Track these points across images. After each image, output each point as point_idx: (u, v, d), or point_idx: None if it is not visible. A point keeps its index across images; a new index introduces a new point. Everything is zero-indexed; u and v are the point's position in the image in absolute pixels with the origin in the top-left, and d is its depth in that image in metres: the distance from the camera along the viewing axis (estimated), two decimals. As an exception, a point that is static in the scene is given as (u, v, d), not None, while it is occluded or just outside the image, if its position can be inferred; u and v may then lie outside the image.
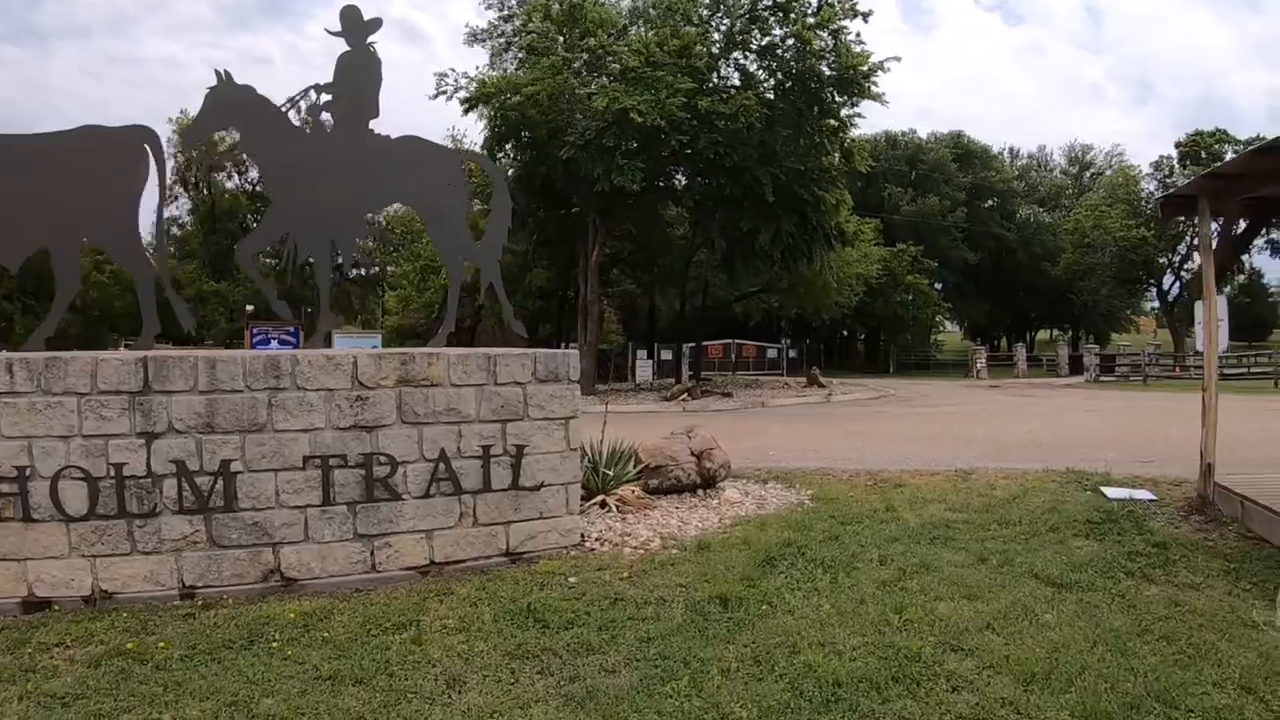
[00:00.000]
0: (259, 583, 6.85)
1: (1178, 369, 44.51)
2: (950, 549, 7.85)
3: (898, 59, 28.02)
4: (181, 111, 50.75)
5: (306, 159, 8.86)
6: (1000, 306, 74.36)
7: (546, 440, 8.01)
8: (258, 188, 57.51)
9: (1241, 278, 67.71)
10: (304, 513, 7.01)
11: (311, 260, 9.74)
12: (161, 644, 5.67)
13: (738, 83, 28.90)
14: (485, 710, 4.85)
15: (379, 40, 9.17)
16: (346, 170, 8.85)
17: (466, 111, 29.70)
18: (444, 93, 29.76)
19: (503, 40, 32.86)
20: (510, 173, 33.06)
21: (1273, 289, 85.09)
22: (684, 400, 29.11)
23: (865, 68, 27.35)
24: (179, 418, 6.72)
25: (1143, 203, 61.36)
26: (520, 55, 31.07)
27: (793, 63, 27.41)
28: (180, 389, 6.74)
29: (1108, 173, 74.44)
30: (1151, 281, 65.53)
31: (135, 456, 6.62)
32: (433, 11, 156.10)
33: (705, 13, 28.96)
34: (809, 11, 27.36)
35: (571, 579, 7.19)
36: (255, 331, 36.00)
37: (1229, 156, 50.82)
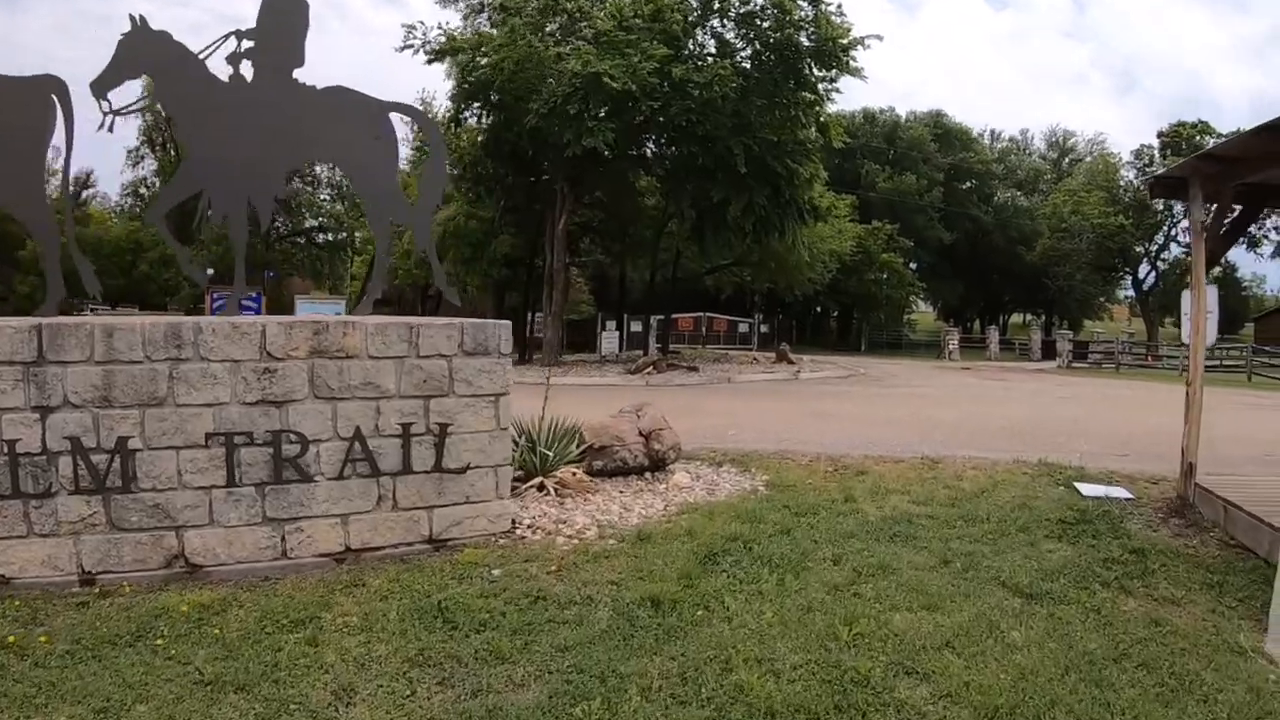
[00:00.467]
0: (162, 569, 6.36)
1: (1150, 358, 44.25)
2: (911, 548, 7.19)
3: (879, 37, 27.17)
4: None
5: (222, 109, 8.11)
6: (974, 288, 74.07)
7: (474, 419, 7.40)
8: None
9: (1217, 270, 67.40)
10: (208, 494, 6.49)
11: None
12: (44, 638, 5.21)
13: (714, 51, 28.10)
14: (369, 729, 4.20)
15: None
16: (266, 122, 8.14)
17: (430, 62, 28.70)
18: (410, 46, 28.75)
19: (477, 2, 31.78)
20: (480, 138, 32.25)
21: (1245, 282, 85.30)
22: (649, 373, 28.41)
23: (845, 41, 26.60)
24: (75, 390, 6.20)
25: (1122, 191, 61.11)
26: (493, 16, 30.02)
27: (771, 32, 26.57)
28: (76, 359, 6.21)
29: (1088, 159, 74.08)
30: (1127, 270, 65.38)
31: (30, 432, 6.12)
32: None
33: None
34: (789, -21, 26.49)
35: (495, 571, 6.58)
36: (216, 296, 35.34)
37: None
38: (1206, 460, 9.06)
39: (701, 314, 60.31)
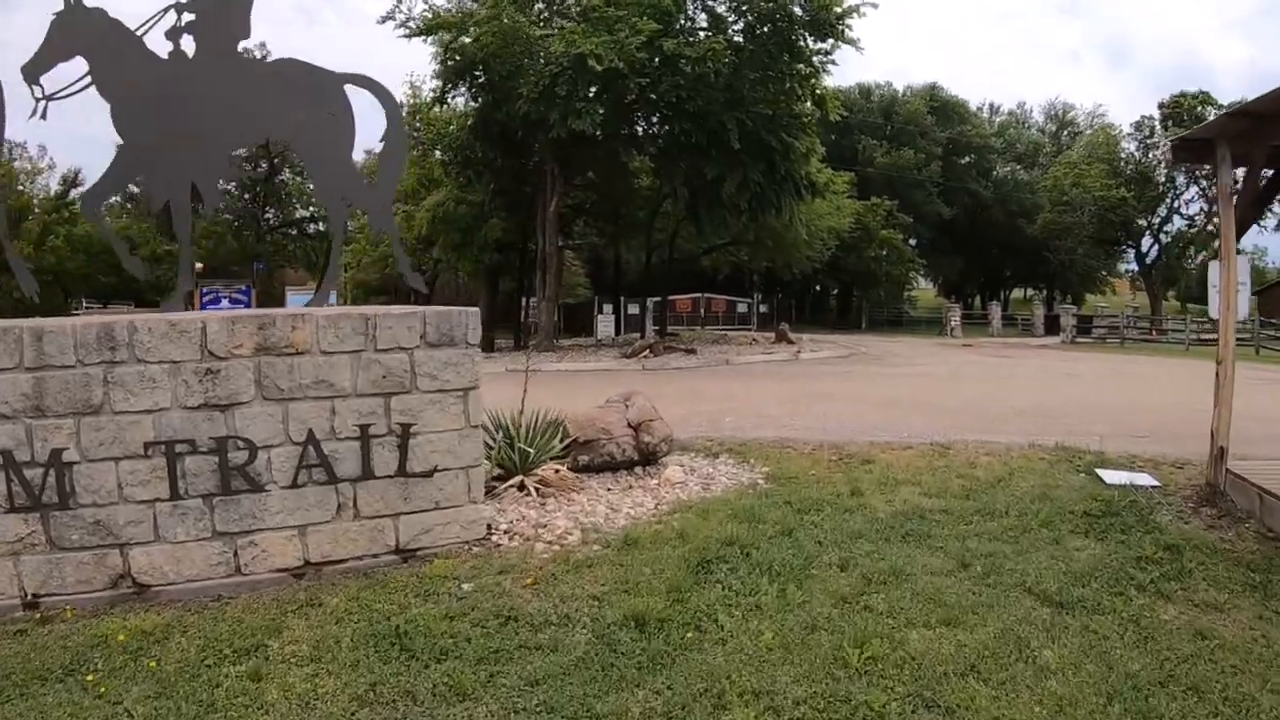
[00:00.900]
0: (108, 589, 5.86)
1: (1154, 332, 43.60)
2: (925, 549, 6.51)
3: (874, 4, 26.24)
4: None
5: (161, 89, 7.54)
6: (975, 264, 73.26)
7: (440, 416, 6.73)
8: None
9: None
10: (152, 508, 5.94)
11: (209, 205, 8.32)
12: (-27, 673, 4.67)
13: (705, 25, 27.29)
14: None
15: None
16: (208, 100, 7.57)
17: (412, 37, 27.88)
18: (393, 19, 27.94)
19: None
20: (469, 121, 31.49)
21: (1247, 255, 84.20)
22: (645, 357, 27.70)
23: (840, 9, 25.82)
24: (4, 400, 5.69)
25: (1123, 163, 60.22)
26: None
27: (764, 1, 25.74)
28: (5, 366, 5.70)
29: (1088, 132, 73.16)
30: (1130, 243, 64.47)
31: (-38, 446, 5.63)
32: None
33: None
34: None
35: (465, 585, 5.95)
36: (205, 291, 34.80)
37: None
38: (1230, 441, 8.40)
39: (699, 295, 59.74)
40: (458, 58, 27.79)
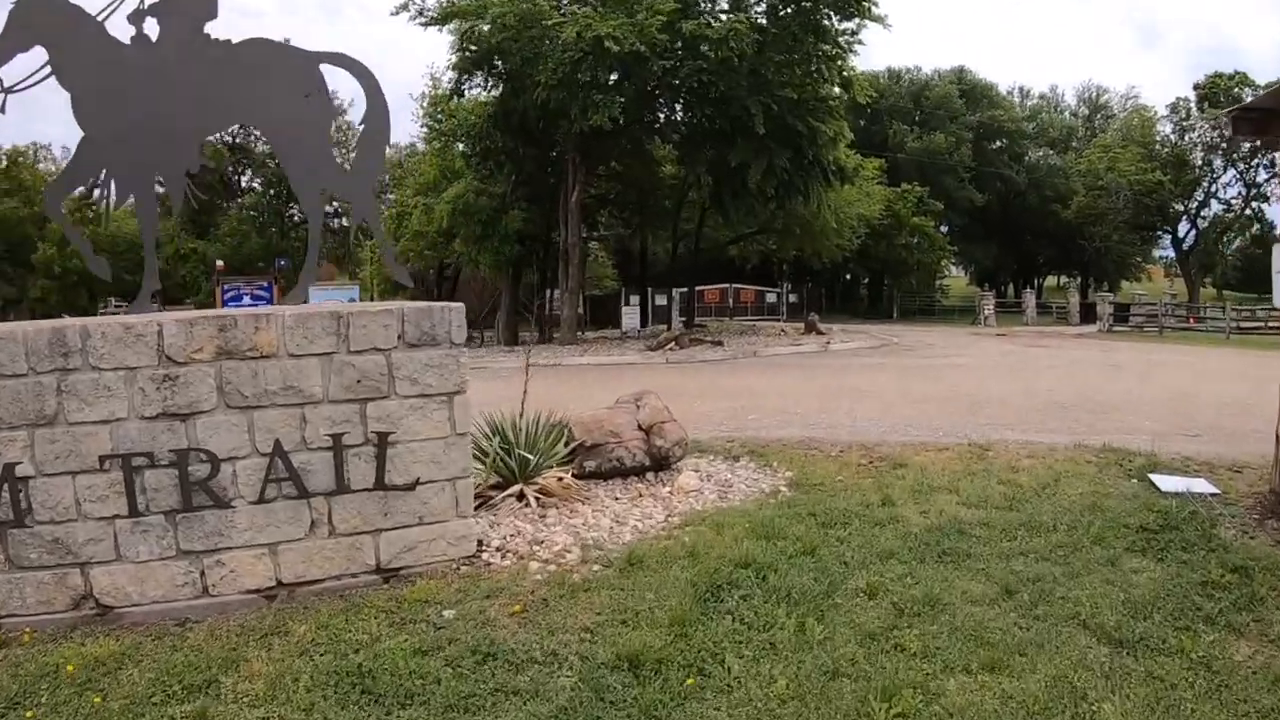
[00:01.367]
0: (70, 611, 5.48)
1: (1192, 320, 42.37)
2: (965, 571, 5.77)
3: (902, -24, 25.41)
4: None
5: (122, 77, 6.95)
6: (1007, 251, 71.86)
7: (422, 423, 6.14)
8: (237, 139, 55.35)
9: (1257, 228, 64.98)
10: (112, 525, 5.52)
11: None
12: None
13: (726, 5, 26.49)
14: None
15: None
16: (173, 87, 6.99)
17: (428, 26, 27.27)
18: (405, 9, 27.32)
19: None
20: (489, 110, 30.88)
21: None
22: (670, 350, 27.03)
23: (865, -16, 25.00)
24: None
25: (1159, 146, 58.83)
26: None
27: (786, -22, 24.95)
28: None
29: (1121, 115, 71.65)
30: (1166, 229, 63.04)
31: (-90, 463, 5.30)
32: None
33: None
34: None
35: (447, 612, 5.34)
36: (226, 288, 34.55)
37: (1248, 100, 48.40)
38: (1271, 437, 7.62)
39: (728, 285, 59.02)
40: (474, 48, 27.21)
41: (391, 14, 27.58)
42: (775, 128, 25.37)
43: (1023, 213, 67.83)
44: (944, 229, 62.99)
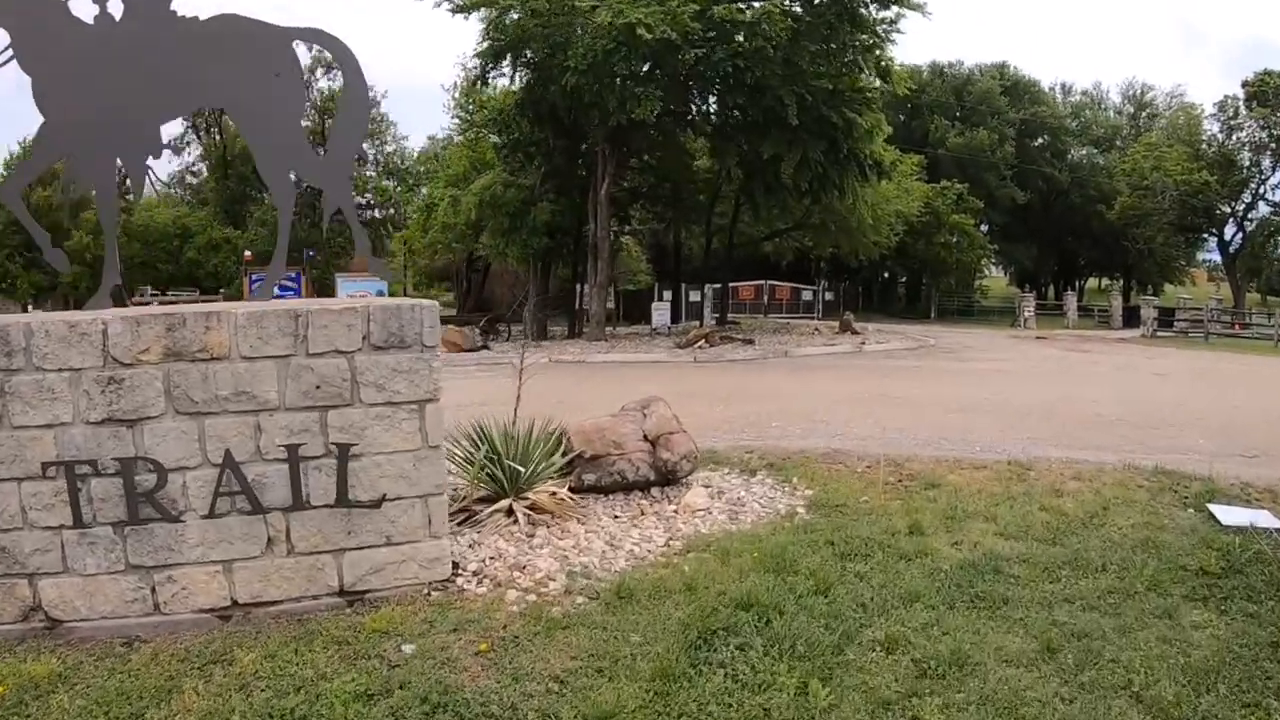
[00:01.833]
0: (19, 622, 5.20)
1: (1238, 326, 41.00)
2: (1000, 621, 4.99)
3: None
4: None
5: (84, 59, 6.43)
6: (1049, 251, 70.30)
7: (390, 435, 5.55)
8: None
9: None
10: (59, 535, 5.20)
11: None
12: None
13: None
14: None
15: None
16: (136, 66, 6.48)
17: (456, 13, 26.59)
18: (438, -2, 26.68)
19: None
20: (517, 100, 30.25)
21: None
22: (699, 348, 26.26)
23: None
24: None
25: (1205, 145, 57.24)
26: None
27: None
28: None
29: (1167, 114, 69.92)
30: (1212, 231, 61.35)
31: None
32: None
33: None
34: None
35: (406, 647, 4.80)
36: (254, 278, 34.25)
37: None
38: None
39: (763, 282, 58.12)
40: (502, 37, 26.62)
41: (434, 6, 26.73)
42: (809, 119, 24.47)
43: (1065, 212, 66.30)
44: (984, 228, 61.75)
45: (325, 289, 49.93)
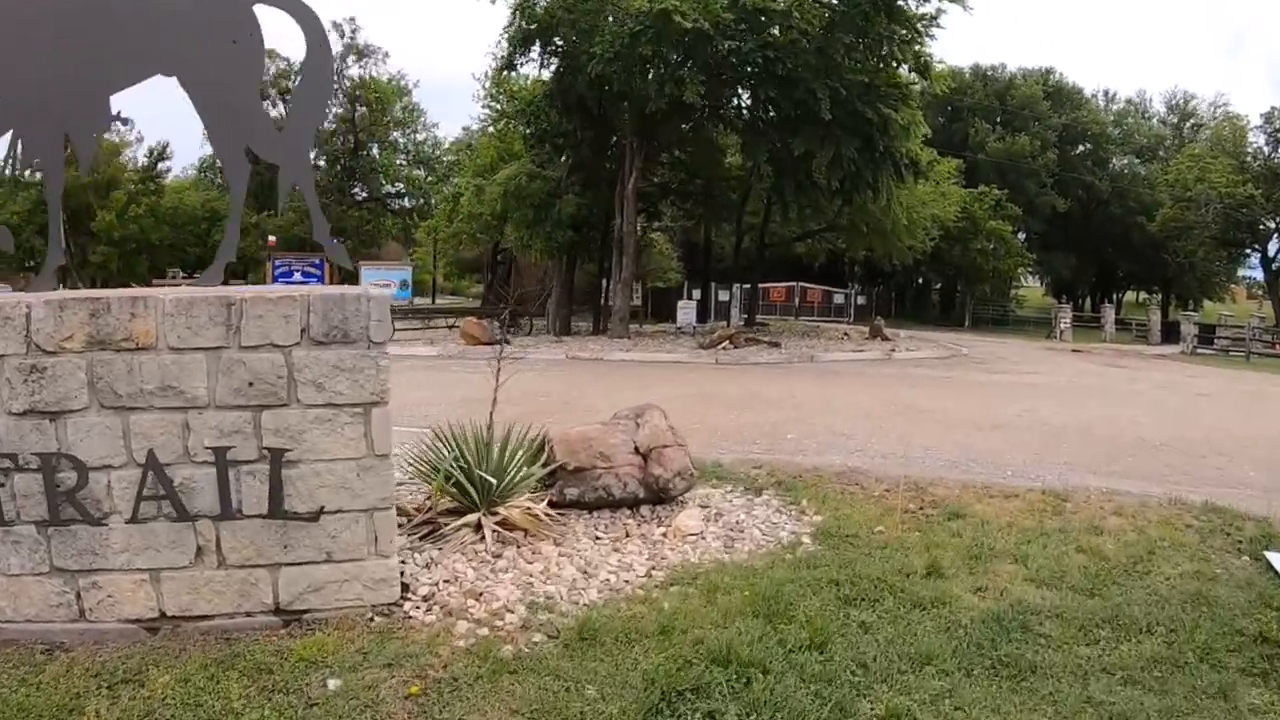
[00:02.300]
0: None
1: (1278, 345, 39.66)
2: (1026, 695, 4.16)
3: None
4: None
5: (28, 27, 5.96)
6: (1087, 262, 68.77)
7: (330, 440, 4.95)
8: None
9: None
10: None
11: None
12: None
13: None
14: None
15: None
16: (81, 34, 5.96)
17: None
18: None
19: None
20: (546, 89, 29.58)
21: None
22: (723, 349, 25.49)
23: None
24: None
25: (1250, 158, 55.72)
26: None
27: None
28: None
29: (1211, 124, 68.27)
30: (1255, 246, 59.76)
31: None
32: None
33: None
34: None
35: (332, 682, 4.25)
36: (277, 264, 33.99)
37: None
38: None
39: (794, 283, 57.32)
40: (531, 23, 26.04)
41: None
42: (843, 114, 23.58)
43: (1105, 222, 64.82)
44: (1021, 236, 60.45)
45: (350, 279, 49.56)
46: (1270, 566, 6.10)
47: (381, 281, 42.69)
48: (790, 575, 5.59)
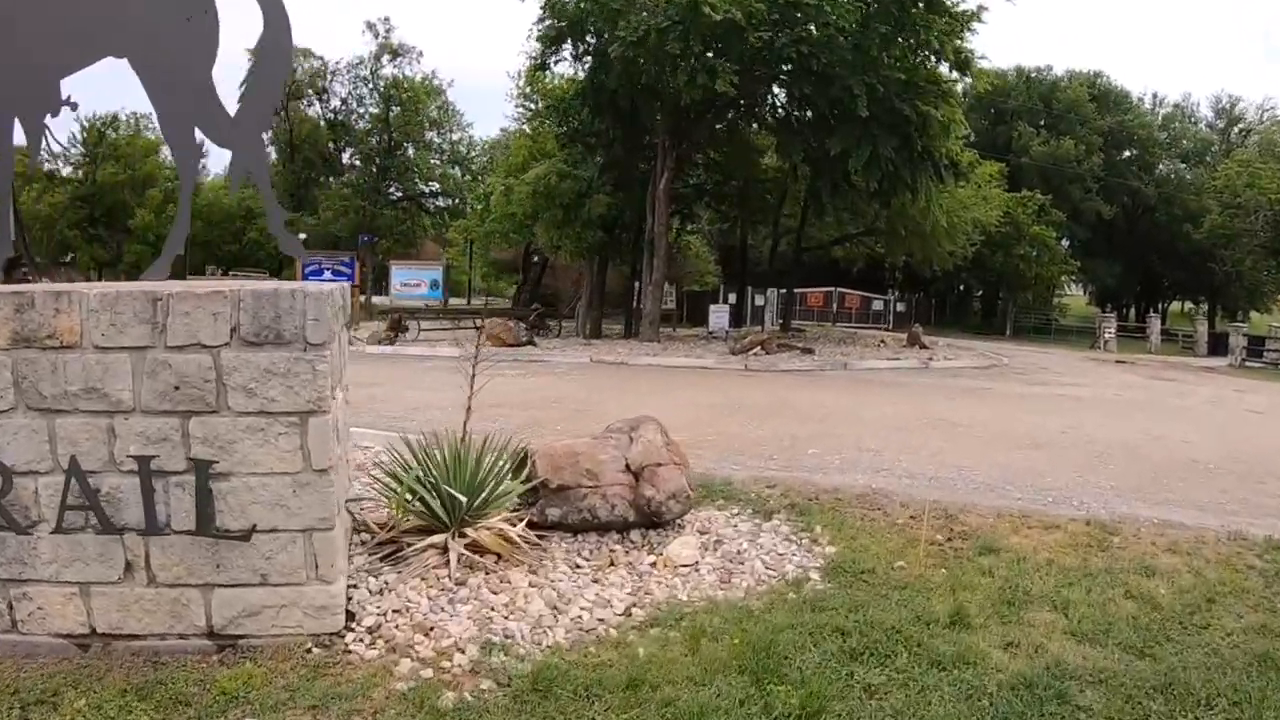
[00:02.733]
0: None
1: (1327, 360, 38.22)
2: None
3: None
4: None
5: None
6: (1131, 270, 67.04)
7: (262, 452, 4.54)
8: (339, 116, 55.27)
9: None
10: None
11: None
12: None
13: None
14: None
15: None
16: (30, 17, 5.76)
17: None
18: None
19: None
20: (578, 88, 28.99)
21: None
22: (754, 354, 24.66)
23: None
24: None
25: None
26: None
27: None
28: None
29: (1259, 129, 66.47)
30: (1307, 256, 57.98)
31: None
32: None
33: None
34: None
35: None
36: (308, 262, 33.74)
37: None
38: None
39: (832, 289, 56.45)
40: (561, 21, 25.52)
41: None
42: (880, 111, 22.66)
43: (1150, 229, 63.16)
44: (1065, 243, 59.08)
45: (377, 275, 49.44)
46: (1350, 617, 5.29)
47: (411, 281, 42.39)
48: (790, 620, 4.86)
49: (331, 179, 57.72)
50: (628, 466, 6.25)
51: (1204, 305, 69.07)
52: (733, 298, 44.70)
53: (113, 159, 55.28)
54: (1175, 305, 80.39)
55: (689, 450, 9.48)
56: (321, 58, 54.10)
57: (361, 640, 4.55)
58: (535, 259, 44.74)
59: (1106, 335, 45.50)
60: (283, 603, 4.56)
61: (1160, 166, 65.50)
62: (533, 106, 37.69)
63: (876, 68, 22.49)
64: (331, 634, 4.59)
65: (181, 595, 4.55)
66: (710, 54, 23.07)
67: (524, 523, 5.95)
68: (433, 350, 23.96)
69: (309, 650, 4.44)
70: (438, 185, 58.20)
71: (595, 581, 5.47)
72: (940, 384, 20.18)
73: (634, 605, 5.15)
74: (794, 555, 6.12)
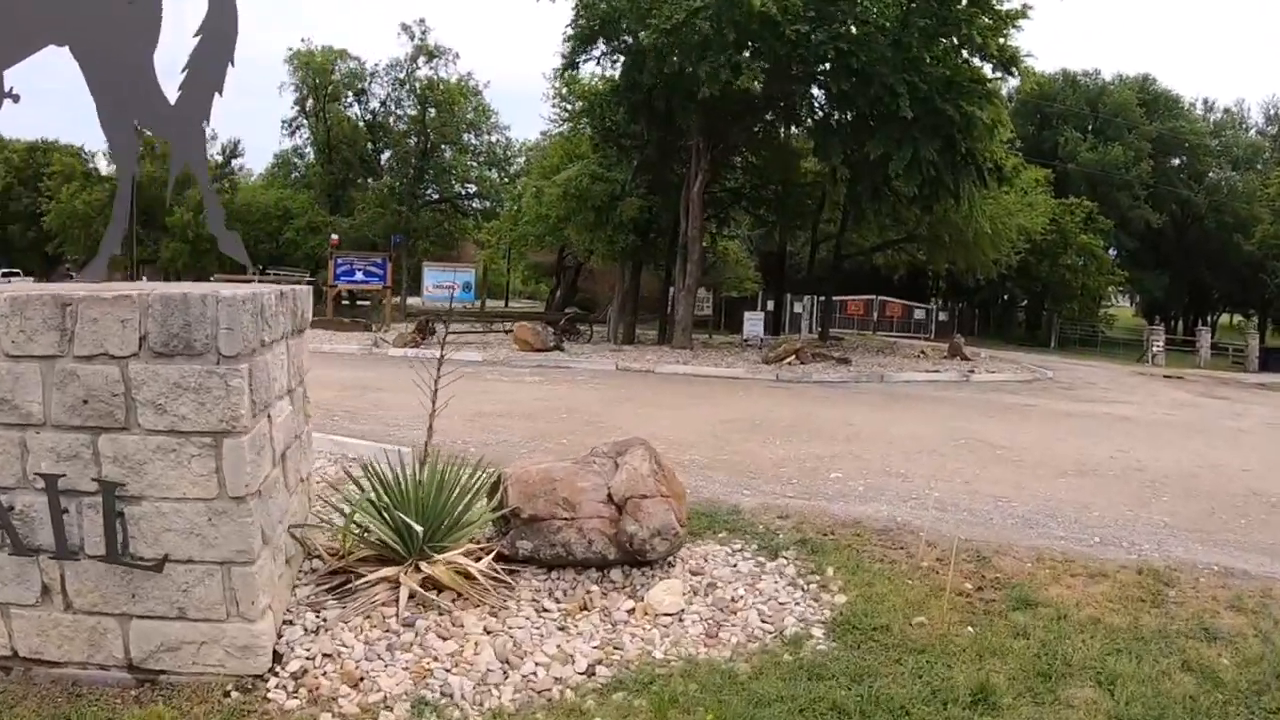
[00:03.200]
0: None
1: (1379, 378, 36.84)
2: None
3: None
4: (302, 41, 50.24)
5: None
6: (1179, 281, 65.27)
7: (174, 475, 4.17)
8: (377, 117, 55.25)
9: None
10: None
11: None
12: None
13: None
14: None
15: None
16: None
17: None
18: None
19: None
20: (612, 87, 28.42)
21: None
22: (788, 364, 23.84)
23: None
24: None
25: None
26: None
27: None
28: None
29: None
30: (1359, 268, 56.24)
31: None
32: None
33: None
34: None
35: None
36: (339, 262, 33.49)
37: None
38: None
39: (873, 297, 55.35)
40: (594, 21, 25.05)
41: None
42: (922, 112, 21.81)
43: (1200, 239, 61.45)
44: (1112, 252, 57.64)
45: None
46: None
47: (445, 283, 41.91)
48: (781, 690, 4.13)
49: (370, 180, 57.67)
50: (610, 497, 5.53)
51: (1254, 318, 67.23)
52: (770, 304, 43.94)
53: (150, 157, 55.73)
54: (1224, 318, 78.64)
55: (701, 471, 8.77)
56: (359, 58, 54.08)
57: (284, 687, 4.06)
58: (569, 262, 44.16)
59: (1155, 349, 44.18)
60: (203, 639, 4.24)
61: (1210, 174, 63.82)
62: (569, 108, 37.14)
63: (918, 66, 21.65)
64: (255, 676, 4.19)
65: (99, 624, 4.28)
66: (745, 51, 22.34)
67: (492, 555, 5.27)
68: (458, 355, 23.39)
69: (228, 693, 4.03)
70: (474, 187, 57.90)
71: (561, 629, 4.79)
72: (980, 399, 19.25)
73: (600, 662, 4.47)
74: (796, 605, 5.38)
